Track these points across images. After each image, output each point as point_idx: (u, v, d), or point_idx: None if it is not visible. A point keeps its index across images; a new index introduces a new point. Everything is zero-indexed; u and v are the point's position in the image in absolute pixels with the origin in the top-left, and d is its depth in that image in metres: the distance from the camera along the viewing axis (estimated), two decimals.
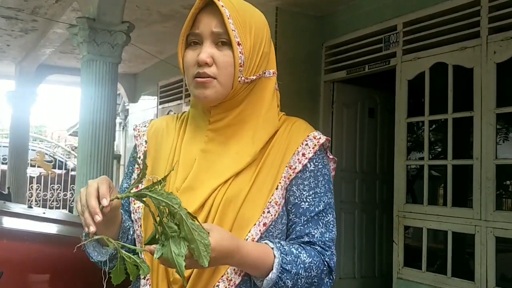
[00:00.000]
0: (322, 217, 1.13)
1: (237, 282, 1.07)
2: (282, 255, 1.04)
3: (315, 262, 1.08)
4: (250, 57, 1.11)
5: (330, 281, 1.14)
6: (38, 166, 10.97)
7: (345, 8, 4.77)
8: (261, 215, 1.08)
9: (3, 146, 10.65)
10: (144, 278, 1.11)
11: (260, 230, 1.07)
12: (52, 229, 1.90)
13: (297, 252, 1.07)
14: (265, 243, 1.06)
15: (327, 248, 1.12)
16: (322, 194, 1.14)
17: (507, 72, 3.56)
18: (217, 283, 1.05)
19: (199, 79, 1.10)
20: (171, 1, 4.81)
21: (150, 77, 8.13)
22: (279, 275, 1.03)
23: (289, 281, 1.05)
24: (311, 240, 1.11)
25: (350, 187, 5.17)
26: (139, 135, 1.25)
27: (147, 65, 7.96)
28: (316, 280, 1.09)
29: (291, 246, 1.08)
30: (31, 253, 1.54)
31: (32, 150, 10.28)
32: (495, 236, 3.41)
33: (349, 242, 5.11)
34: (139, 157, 1.22)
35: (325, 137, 1.18)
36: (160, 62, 7.17)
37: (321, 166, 1.15)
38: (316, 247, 1.11)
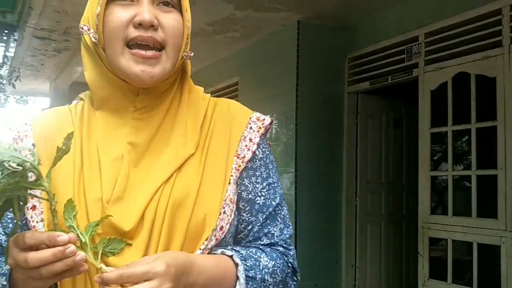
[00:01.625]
0: (279, 211, 0.98)
1: None
2: (242, 262, 0.88)
3: (278, 265, 0.92)
4: (189, 29, 0.93)
5: (295, 283, 0.98)
6: None
7: (367, 20, 4.79)
8: (218, 218, 0.88)
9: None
10: None
11: (215, 237, 0.89)
12: None
13: (257, 256, 0.91)
14: (221, 252, 0.89)
15: (289, 248, 0.97)
16: (275, 185, 0.99)
17: None
18: None
19: (143, 52, 0.86)
20: (197, 17, 4.90)
21: None
22: (246, 285, 0.87)
23: (261, 285, 0.89)
24: (271, 241, 0.95)
25: (376, 198, 5.14)
26: (19, 136, 0.95)
27: None
28: (281, 286, 0.93)
29: (247, 250, 0.92)
30: None
31: None
32: None
33: (376, 254, 5.07)
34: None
35: (269, 117, 1.01)
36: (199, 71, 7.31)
37: (268, 152, 0.99)
38: (278, 248, 0.96)
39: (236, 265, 0.86)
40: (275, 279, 0.90)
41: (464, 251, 4.12)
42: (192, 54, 0.95)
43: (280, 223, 0.97)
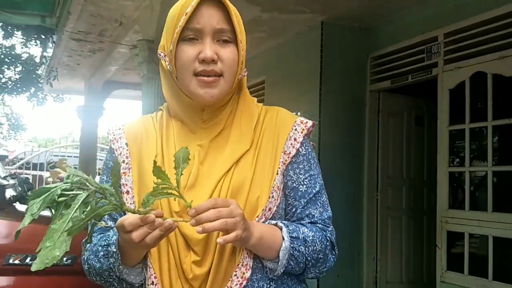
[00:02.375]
0: (319, 197, 1.17)
1: (251, 265, 1.07)
2: (285, 225, 1.08)
3: (318, 236, 1.11)
4: (244, 55, 1.13)
5: (333, 257, 1.16)
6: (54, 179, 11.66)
7: (388, 20, 4.94)
8: (267, 200, 1.09)
9: (74, 156, 11.48)
10: (152, 284, 1.07)
11: (265, 215, 1.09)
12: None
13: (299, 226, 1.11)
14: (267, 222, 1.10)
15: (327, 225, 1.16)
16: (316, 176, 1.18)
17: None
18: (235, 271, 1.05)
19: (206, 78, 1.07)
20: None
21: None
22: (291, 244, 1.06)
23: (302, 247, 1.08)
24: (312, 220, 1.14)
25: (397, 193, 5.30)
26: (115, 138, 1.19)
27: None
28: (321, 256, 1.11)
29: (290, 222, 1.13)
30: None
31: (100, 160, 10.98)
32: None
33: (396, 248, 5.23)
34: (123, 161, 1.16)
35: (311, 121, 1.21)
36: None
37: (310, 150, 1.19)
38: (318, 225, 1.14)
39: (280, 228, 1.07)
40: (315, 247, 1.09)
41: (481, 243, 4.24)
42: (246, 73, 1.15)
43: (320, 207, 1.16)
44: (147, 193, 0.94)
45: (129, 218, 0.95)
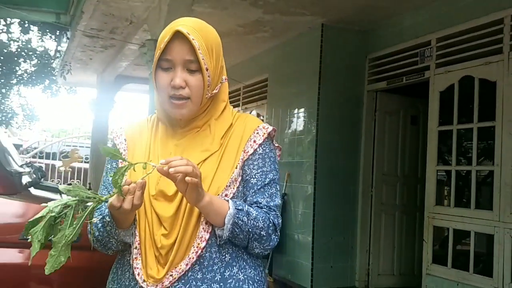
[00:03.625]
0: (268, 189, 1.38)
1: (206, 238, 1.29)
2: (233, 201, 1.31)
3: (261, 216, 1.32)
4: (213, 77, 1.33)
5: (276, 237, 1.38)
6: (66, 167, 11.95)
7: (386, 24, 5.16)
8: (224, 188, 1.32)
9: (86, 147, 11.81)
10: (135, 248, 1.31)
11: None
12: None
13: (244, 204, 1.33)
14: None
15: (272, 210, 1.37)
16: (267, 172, 1.39)
17: None
18: (193, 244, 1.29)
19: (176, 102, 1.31)
20: (228, 20, 5.42)
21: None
22: (236, 213, 1.28)
23: (245, 218, 1.29)
24: (259, 206, 1.36)
25: (391, 190, 5.53)
26: (117, 135, 1.46)
27: None
28: (264, 234, 1.33)
29: (238, 201, 1.35)
30: None
31: None
32: None
33: (389, 242, 5.47)
34: (121, 152, 1.41)
35: (272, 127, 1.42)
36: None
37: (268, 151, 1.41)
38: (263, 209, 1.36)
39: (227, 201, 1.30)
40: (257, 223, 1.31)
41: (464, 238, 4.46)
42: (216, 91, 1.36)
43: (267, 197, 1.38)
44: (111, 176, 1.21)
45: (114, 199, 1.21)
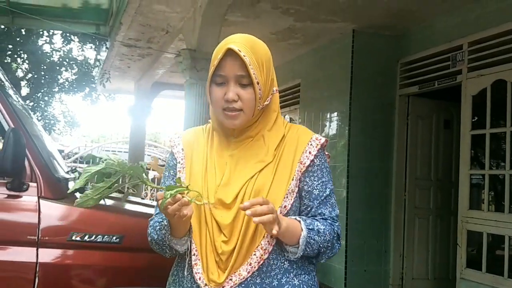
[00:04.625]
0: (329, 199, 1.47)
1: (269, 250, 1.38)
2: (303, 220, 1.40)
3: (328, 229, 1.42)
4: (264, 89, 1.41)
5: (338, 245, 1.48)
6: (153, 170, 12.29)
7: (417, 28, 5.18)
8: (282, 200, 1.40)
9: (124, 152, 12.17)
10: (194, 255, 1.40)
11: (281, 212, 1.40)
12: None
13: (312, 220, 1.42)
14: (294, 218, 1.42)
15: (335, 221, 1.47)
16: (326, 182, 1.47)
17: None
18: (254, 252, 1.37)
19: (229, 113, 1.40)
20: (261, 29, 5.55)
21: None
22: (308, 233, 1.37)
23: (316, 237, 1.39)
24: (323, 217, 1.45)
25: (425, 194, 5.52)
26: (175, 145, 1.56)
27: None
28: (329, 245, 1.43)
29: (306, 218, 1.44)
30: (143, 226, 2.33)
31: (147, 155, 11.58)
32: None
33: (423, 246, 5.46)
34: (179, 162, 1.52)
35: (324, 138, 1.50)
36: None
37: (323, 161, 1.49)
38: (328, 221, 1.45)
39: (299, 221, 1.40)
40: (325, 237, 1.41)
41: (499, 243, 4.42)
42: (267, 103, 1.44)
43: (329, 207, 1.47)
44: (165, 187, 1.33)
45: (161, 202, 1.32)
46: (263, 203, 1.26)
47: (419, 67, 5.16)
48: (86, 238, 2.14)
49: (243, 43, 1.40)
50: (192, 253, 1.40)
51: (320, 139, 1.48)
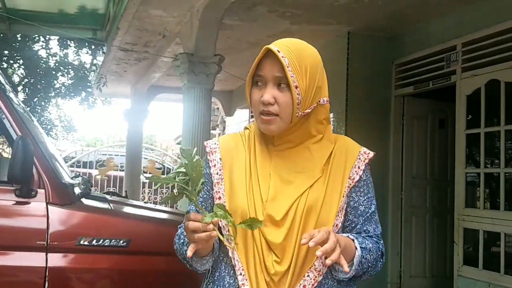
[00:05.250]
0: (374, 216, 1.42)
1: (323, 272, 1.31)
2: (356, 238, 1.34)
3: (374, 248, 1.37)
4: (305, 96, 1.32)
5: (381, 263, 1.42)
6: (150, 173, 12.31)
7: (411, 29, 5.25)
8: (335, 218, 1.34)
9: (121, 155, 12.19)
10: (240, 274, 1.31)
11: (333, 231, 1.31)
12: (160, 215, 2.76)
13: (363, 238, 1.37)
14: (346, 236, 1.35)
15: (380, 239, 1.42)
16: (372, 198, 1.42)
17: None
18: (308, 273, 1.30)
19: (264, 117, 1.32)
20: (258, 32, 5.61)
21: (243, 94, 9.00)
22: (362, 252, 1.31)
23: (368, 256, 1.33)
24: (368, 234, 1.39)
25: (421, 193, 5.60)
26: (211, 151, 1.44)
27: (241, 83, 8.86)
28: (375, 263, 1.37)
29: (357, 235, 1.38)
30: (149, 230, 2.39)
31: (144, 158, 11.58)
32: None
33: (420, 244, 5.53)
34: (217, 173, 1.41)
35: (373, 152, 1.44)
36: None
37: (369, 175, 1.43)
38: (373, 239, 1.39)
39: (352, 240, 1.34)
40: (372, 255, 1.35)
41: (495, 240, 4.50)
42: (308, 111, 1.34)
43: (373, 224, 1.41)
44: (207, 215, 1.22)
45: (196, 213, 1.24)
46: (327, 238, 1.19)
47: (414, 68, 5.24)
48: (94, 242, 2.19)
49: (287, 45, 1.35)
50: (239, 273, 1.31)
51: (369, 153, 1.43)
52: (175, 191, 1.22)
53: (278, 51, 1.30)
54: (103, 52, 7.35)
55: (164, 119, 61.56)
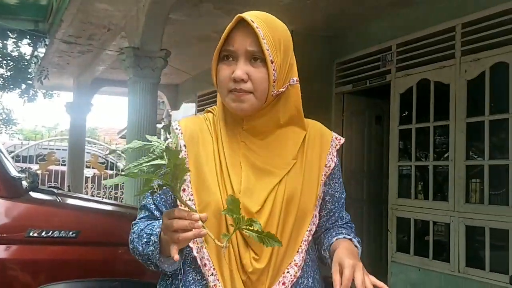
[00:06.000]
0: (345, 201, 1.38)
1: (301, 266, 1.21)
2: (349, 235, 1.29)
3: (354, 235, 1.33)
4: (280, 72, 1.19)
5: None
6: (93, 167, 12.11)
7: (352, 30, 5.51)
8: (314, 209, 1.24)
9: (62, 149, 11.92)
10: (212, 275, 1.16)
11: (313, 222, 1.24)
12: (108, 207, 2.84)
13: (351, 232, 1.33)
14: (343, 237, 1.28)
15: (352, 224, 1.40)
16: (342, 182, 1.37)
17: (476, 87, 4.21)
18: (287, 269, 1.19)
19: (236, 93, 1.17)
20: (203, 27, 5.70)
21: (189, 88, 9.11)
22: (360, 249, 1.27)
23: (360, 250, 1.29)
24: (344, 221, 1.36)
25: (359, 185, 5.91)
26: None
27: (187, 77, 8.91)
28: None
29: (347, 231, 1.33)
30: (98, 222, 2.46)
31: (87, 152, 11.37)
32: (465, 224, 4.10)
33: (358, 233, 5.76)
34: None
35: (343, 138, 1.36)
36: (198, 74, 8.11)
37: (339, 160, 1.36)
38: (348, 224, 1.37)
39: (350, 240, 1.27)
40: (359, 241, 1.30)
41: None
42: (283, 89, 1.21)
43: (344, 208, 1.38)
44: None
45: (180, 209, 1.09)
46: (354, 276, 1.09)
47: (353, 67, 5.51)
48: (43, 234, 2.25)
49: (258, 16, 1.20)
50: (210, 273, 1.17)
51: (340, 138, 1.35)
52: (154, 185, 1.05)
53: (252, 21, 1.16)
54: (45, 44, 7.20)
55: (108, 112, 60.17)
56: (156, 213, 1.25)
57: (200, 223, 1.05)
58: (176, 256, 1.04)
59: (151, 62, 5.01)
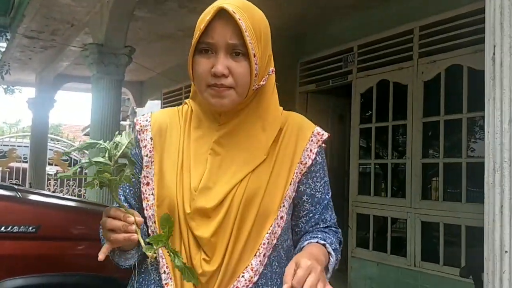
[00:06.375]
0: (330, 203, 1.25)
1: (260, 271, 1.12)
2: (323, 240, 1.17)
3: (336, 239, 1.21)
4: (261, 65, 1.12)
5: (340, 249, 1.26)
6: (55, 165, 11.90)
7: (315, 31, 5.62)
8: (279, 210, 1.13)
9: (24, 146, 11.67)
10: (164, 273, 1.12)
11: (278, 224, 1.14)
12: (69, 202, 2.84)
13: (328, 235, 1.20)
14: (316, 241, 1.17)
15: (338, 228, 1.26)
16: (328, 182, 1.25)
17: (432, 88, 4.38)
18: (242, 273, 1.10)
19: (216, 89, 1.10)
20: (168, 25, 5.71)
21: (154, 85, 9.07)
22: (336, 257, 1.16)
23: (338, 255, 1.19)
24: (326, 224, 1.23)
25: None
26: (141, 130, 1.22)
27: (152, 74, 8.88)
28: (340, 257, 1.22)
29: (323, 235, 1.20)
30: (58, 217, 2.47)
31: (50, 149, 11.17)
32: (421, 220, 4.26)
33: None
34: (146, 155, 1.19)
35: (327, 133, 1.26)
36: (163, 71, 8.09)
37: (324, 158, 1.25)
38: (332, 229, 1.24)
39: (324, 245, 1.15)
40: (337, 247, 1.19)
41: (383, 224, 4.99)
42: (263, 83, 1.15)
43: (330, 211, 1.25)
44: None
45: (118, 209, 1.06)
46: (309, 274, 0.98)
47: (316, 67, 5.62)
48: (2, 229, 2.25)
49: (238, 5, 1.11)
50: (162, 271, 1.13)
51: (322, 134, 1.25)
52: (95, 181, 1.05)
53: (234, 13, 1.08)
54: (7, 39, 7.05)
55: (71, 109, 58.97)
56: (126, 204, 1.19)
57: (134, 227, 1.02)
58: (101, 256, 1.02)
59: (115, 59, 4.99)
